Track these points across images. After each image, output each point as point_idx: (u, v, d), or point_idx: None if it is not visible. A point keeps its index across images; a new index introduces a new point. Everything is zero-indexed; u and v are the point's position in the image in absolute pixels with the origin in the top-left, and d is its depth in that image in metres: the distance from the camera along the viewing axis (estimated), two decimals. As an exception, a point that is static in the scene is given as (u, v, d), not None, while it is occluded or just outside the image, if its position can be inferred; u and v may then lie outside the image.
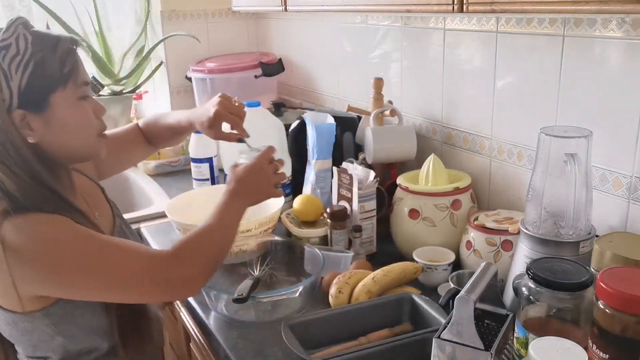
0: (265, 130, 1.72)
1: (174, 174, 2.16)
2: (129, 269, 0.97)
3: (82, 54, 1.09)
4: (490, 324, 0.85)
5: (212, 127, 1.27)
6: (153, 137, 1.41)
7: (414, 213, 1.35)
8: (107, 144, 1.11)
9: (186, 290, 1.04)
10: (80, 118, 1.00)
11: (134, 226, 1.62)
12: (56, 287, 0.95)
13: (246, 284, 1.15)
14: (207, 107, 1.28)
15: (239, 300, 1.11)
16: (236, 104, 1.29)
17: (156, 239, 1.60)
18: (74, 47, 0.99)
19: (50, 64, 0.94)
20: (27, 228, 0.92)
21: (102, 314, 1.03)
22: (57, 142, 0.99)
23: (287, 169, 1.71)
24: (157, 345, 1.21)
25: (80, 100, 0.99)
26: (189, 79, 2.32)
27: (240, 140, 1.29)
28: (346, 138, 1.68)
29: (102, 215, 1.17)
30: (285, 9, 1.63)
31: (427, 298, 1.12)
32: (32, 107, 0.94)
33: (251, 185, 1.13)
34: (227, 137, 1.31)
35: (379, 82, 1.63)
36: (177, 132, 1.39)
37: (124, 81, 2.39)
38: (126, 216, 1.45)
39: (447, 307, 1.08)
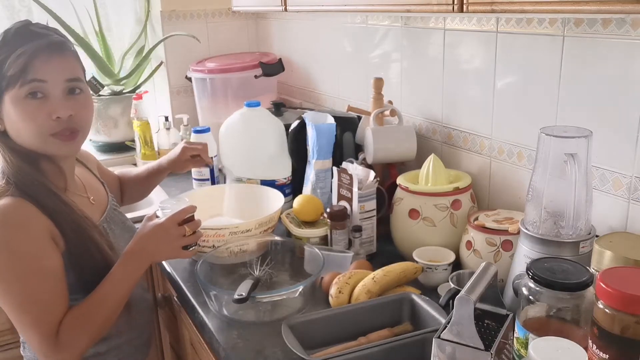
0: (265, 130, 1.72)
1: (174, 174, 2.14)
2: (24, 314, 1.07)
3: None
4: (490, 324, 0.85)
5: (180, 160, 1.52)
6: (126, 192, 1.57)
7: (414, 213, 1.35)
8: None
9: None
10: (26, 115, 1.09)
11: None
12: None
13: (246, 284, 1.15)
14: (174, 150, 1.54)
15: (239, 300, 1.11)
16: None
17: (156, 239, 1.59)
18: (40, 47, 1.08)
19: (5, 65, 1.07)
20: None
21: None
22: (16, 136, 1.12)
23: (287, 169, 1.71)
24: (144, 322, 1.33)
25: (28, 99, 1.08)
26: (189, 79, 2.32)
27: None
28: (346, 138, 1.68)
29: (98, 200, 1.30)
30: (285, 9, 1.63)
31: (427, 298, 1.12)
32: None
33: (151, 246, 1.16)
34: (194, 163, 1.55)
35: (379, 82, 1.63)
36: (147, 177, 1.56)
37: (124, 81, 2.39)
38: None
39: (447, 307, 1.08)
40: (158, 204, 1.25)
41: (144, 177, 1.56)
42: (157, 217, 1.20)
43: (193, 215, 1.21)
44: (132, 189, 1.57)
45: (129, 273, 1.14)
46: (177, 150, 1.53)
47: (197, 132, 1.86)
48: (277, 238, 1.40)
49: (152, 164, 1.57)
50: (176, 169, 1.55)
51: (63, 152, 1.15)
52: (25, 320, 1.06)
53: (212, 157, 1.64)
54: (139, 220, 1.71)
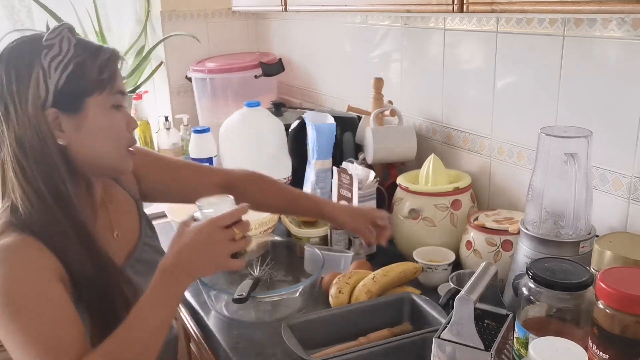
0: (265, 130, 1.72)
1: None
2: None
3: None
4: (490, 324, 0.85)
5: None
6: (249, 197, 1.17)
7: (414, 213, 1.35)
8: (172, 166, 1.10)
9: None
10: (111, 126, 0.97)
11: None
12: None
13: (246, 284, 1.15)
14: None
15: (239, 300, 1.11)
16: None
17: (156, 239, 1.59)
18: (114, 57, 0.98)
19: (90, 68, 0.94)
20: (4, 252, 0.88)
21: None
22: (85, 149, 0.95)
23: (287, 169, 1.71)
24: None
25: (113, 109, 0.97)
26: (189, 79, 2.32)
27: None
28: (346, 138, 1.68)
29: (124, 236, 1.08)
30: (285, 9, 1.63)
31: (427, 298, 1.12)
32: (66, 108, 0.93)
33: (193, 257, 0.92)
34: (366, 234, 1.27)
35: (379, 82, 1.63)
36: (292, 201, 1.33)
37: (124, 81, 2.38)
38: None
39: (447, 307, 1.08)
40: (196, 204, 1.00)
41: (290, 199, 1.32)
42: (195, 220, 0.97)
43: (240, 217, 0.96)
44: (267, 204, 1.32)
45: (165, 295, 0.91)
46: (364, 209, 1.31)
47: (197, 132, 1.86)
48: (277, 238, 1.40)
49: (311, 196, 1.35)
50: (338, 223, 1.30)
51: (130, 167, 1.03)
52: None
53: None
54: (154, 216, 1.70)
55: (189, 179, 1.26)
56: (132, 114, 2.24)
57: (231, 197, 1.00)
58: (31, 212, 0.90)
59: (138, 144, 1.05)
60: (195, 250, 0.92)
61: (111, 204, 1.08)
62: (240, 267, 0.98)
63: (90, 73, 0.93)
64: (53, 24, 0.96)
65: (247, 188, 1.28)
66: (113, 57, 0.98)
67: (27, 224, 0.89)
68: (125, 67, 2.39)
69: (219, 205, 0.97)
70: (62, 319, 0.86)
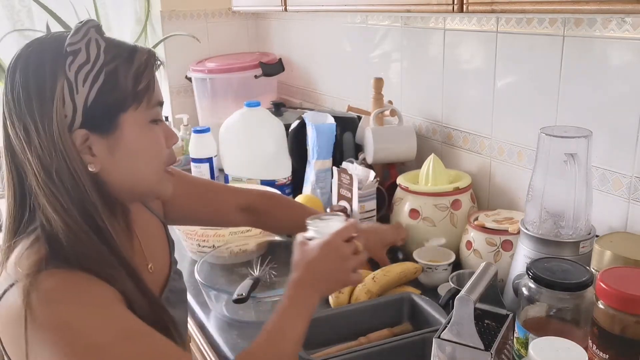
0: (265, 130, 1.72)
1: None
2: None
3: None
4: (490, 324, 0.85)
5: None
6: (271, 217, 1.22)
7: (414, 213, 1.35)
8: (200, 189, 0.97)
9: None
10: (151, 145, 0.83)
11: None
12: None
13: (246, 284, 1.15)
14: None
15: (239, 300, 1.11)
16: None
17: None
18: (152, 60, 0.83)
19: (124, 77, 0.78)
20: (63, 297, 0.72)
21: None
22: (120, 173, 0.81)
23: (287, 169, 1.71)
24: None
25: (152, 124, 0.83)
26: (189, 79, 2.32)
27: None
28: (346, 138, 1.68)
29: (157, 267, 0.98)
30: (285, 9, 1.63)
31: (427, 298, 1.12)
32: (98, 128, 0.78)
33: (322, 271, 0.90)
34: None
35: (379, 82, 1.63)
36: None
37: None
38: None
39: (447, 307, 1.08)
40: (307, 222, 0.99)
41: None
42: (309, 239, 0.94)
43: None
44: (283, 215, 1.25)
45: (304, 308, 0.87)
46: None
47: (197, 132, 1.86)
48: (277, 238, 1.40)
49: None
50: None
51: (169, 190, 0.89)
52: None
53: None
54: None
55: (214, 202, 1.18)
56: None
57: (340, 214, 1.00)
58: (75, 243, 0.75)
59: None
60: (324, 263, 0.90)
61: (140, 229, 0.95)
62: (358, 283, 0.98)
63: (124, 83, 0.78)
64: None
65: (270, 209, 1.24)
66: (150, 60, 0.82)
67: (73, 257, 0.75)
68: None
69: (329, 222, 0.97)
70: (162, 340, 0.77)
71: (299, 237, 0.95)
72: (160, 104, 0.85)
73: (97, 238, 0.77)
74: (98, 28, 0.78)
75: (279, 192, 1.40)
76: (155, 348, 0.76)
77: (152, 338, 0.76)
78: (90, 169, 0.78)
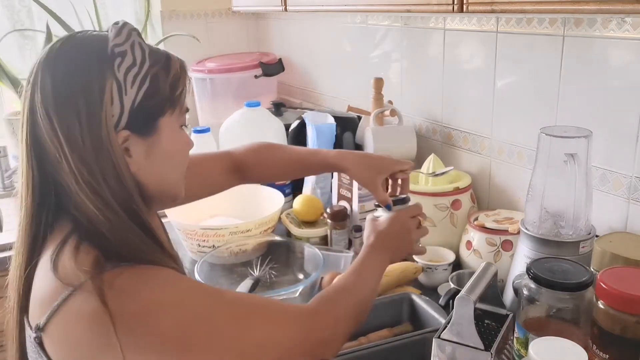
0: (265, 130, 1.72)
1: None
2: (270, 337, 0.78)
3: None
4: (490, 324, 0.85)
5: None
6: (256, 168, 1.20)
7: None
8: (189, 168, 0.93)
9: (325, 351, 0.85)
10: (183, 148, 0.87)
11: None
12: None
13: (246, 283, 1.15)
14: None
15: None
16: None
17: (156, 239, 1.59)
18: (184, 68, 0.85)
19: (163, 82, 0.80)
20: (139, 286, 0.72)
21: None
22: (151, 174, 0.82)
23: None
24: None
25: (182, 129, 0.86)
26: (189, 79, 2.32)
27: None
28: (346, 138, 1.68)
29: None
30: (285, 9, 1.63)
31: (427, 298, 1.12)
32: (139, 130, 0.79)
33: (392, 239, 1.01)
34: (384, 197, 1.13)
35: (379, 82, 1.63)
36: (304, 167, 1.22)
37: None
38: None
39: (447, 307, 1.08)
40: (374, 204, 1.12)
41: (299, 161, 1.20)
42: (378, 217, 1.06)
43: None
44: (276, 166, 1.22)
45: (379, 265, 0.97)
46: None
47: (197, 132, 1.86)
48: (277, 238, 1.40)
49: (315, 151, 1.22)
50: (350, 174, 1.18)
51: (183, 194, 0.91)
52: (277, 336, 0.79)
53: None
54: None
55: (197, 175, 1.13)
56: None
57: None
58: (123, 239, 0.75)
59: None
60: (393, 235, 1.01)
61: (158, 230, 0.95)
62: (422, 253, 1.09)
63: (164, 88, 0.80)
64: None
65: (259, 163, 1.21)
66: (183, 69, 0.84)
67: (126, 253, 0.75)
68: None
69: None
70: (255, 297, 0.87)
71: (369, 217, 1.06)
72: (187, 110, 0.87)
73: (142, 232, 0.77)
74: (138, 32, 0.80)
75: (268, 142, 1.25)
76: (242, 297, 0.83)
77: (233, 292, 0.83)
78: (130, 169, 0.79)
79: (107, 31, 0.79)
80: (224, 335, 0.74)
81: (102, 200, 0.74)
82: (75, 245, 0.75)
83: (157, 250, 0.78)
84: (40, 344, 0.74)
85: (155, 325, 0.71)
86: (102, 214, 0.74)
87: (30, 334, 0.77)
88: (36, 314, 0.75)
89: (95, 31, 0.81)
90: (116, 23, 0.79)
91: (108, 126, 0.75)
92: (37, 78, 0.76)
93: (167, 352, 0.71)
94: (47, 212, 0.79)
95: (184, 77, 0.84)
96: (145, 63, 0.78)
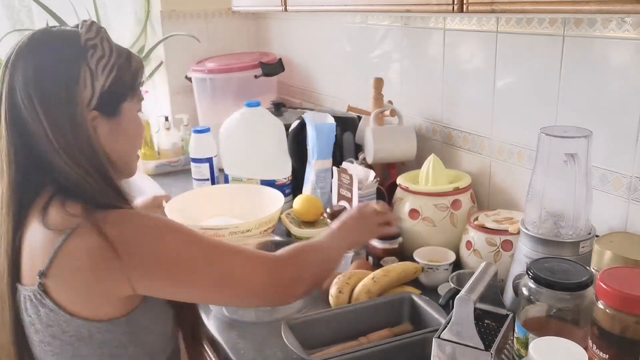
0: (265, 130, 1.72)
1: (174, 174, 2.16)
2: (243, 271, 0.93)
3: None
4: (490, 324, 0.85)
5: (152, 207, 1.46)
6: None
7: (414, 213, 1.35)
8: None
9: (290, 292, 0.99)
10: (138, 130, 1.03)
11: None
12: (168, 280, 0.89)
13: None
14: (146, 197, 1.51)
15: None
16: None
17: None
18: (142, 63, 1.03)
19: (127, 72, 0.96)
20: (127, 219, 0.89)
21: (171, 318, 1.00)
22: (113, 151, 0.97)
23: (287, 169, 1.71)
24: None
25: (139, 114, 1.02)
26: (189, 79, 2.32)
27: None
28: (346, 138, 1.68)
29: None
30: (285, 9, 1.63)
31: (427, 298, 1.12)
32: (105, 111, 0.94)
33: (352, 228, 1.14)
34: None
35: (379, 82, 1.63)
36: None
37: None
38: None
39: (447, 307, 1.08)
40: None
41: None
42: None
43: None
44: None
45: (341, 240, 1.10)
46: (148, 198, 1.51)
47: (197, 132, 1.86)
48: (277, 238, 1.40)
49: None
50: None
51: (136, 170, 1.07)
52: (248, 267, 0.94)
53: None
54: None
55: None
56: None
57: None
58: (96, 190, 0.90)
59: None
60: (351, 222, 1.14)
61: None
62: (391, 231, 1.23)
63: (127, 78, 0.97)
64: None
65: None
66: (141, 64, 1.02)
67: (102, 201, 0.90)
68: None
69: None
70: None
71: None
72: (142, 99, 1.03)
73: (115, 191, 0.93)
74: (104, 29, 0.96)
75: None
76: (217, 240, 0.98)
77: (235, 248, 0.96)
78: None
79: (77, 27, 0.94)
80: (210, 262, 0.91)
81: (81, 166, 0.89)
82: (60, 203, 0.89)
83: (126, 200, 0.94)
84: (44, 291, 0.87)
85: (153, 244, 0.88)
86: (82, 177, 0.89)
87: (26, 293, 0.89)
88: (36, 266, 0.87)
89: (67, 27, 0.96)
90: (85, 20, 0.94)
91: (82, 106, 0.90)
92: (17, 63, 0.89)
93: (163, 268, 0.88)
94: (30, 183, 0.92)
95: (142, 70, 1.01)
96: (113, 55, 0.94)
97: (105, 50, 0.93)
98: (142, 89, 1.03)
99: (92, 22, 0.94)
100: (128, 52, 0.99)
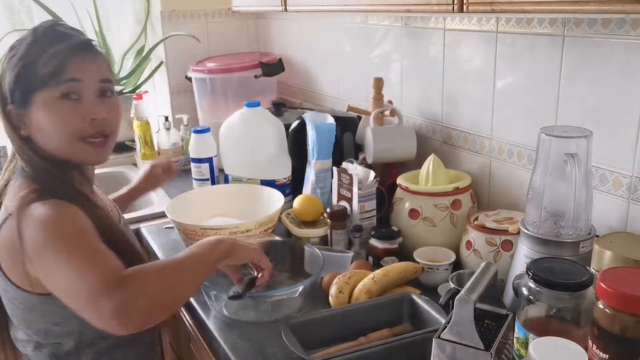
0: (265, 130, 1.72)
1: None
2: (81, 277, 0.92)
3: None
4: (490, 324, 0.85)
5: (153, 175, 1.57)
6: None
7: (414, 213, 1.35)
8: None
9: (123, 319, 0.90)
10: (56, 119, 1.05)
11: (134, 226, 1.63)
12: (37, 266, 0.98)
13: (243, 281, 1.16)
14: (143, 169, 1.60)
15: (234, 297, 1.11)
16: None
17: (156, 239, 1.60)
18: (70, 48, 1.04)
19: (38, 64, 1.02)
20: (42, 213, 0.98)
21: None
22: (42, 140, 1.07)
23: (287, 169, 1.71)
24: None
25: (62, 100, 1.04)
26: (189, 79, 2.32)
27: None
28: (346, 138, 1.68)
29: (114, 212, 1.27)
30: (285, 9, 1.63)
31: (427, 298, 1.12)
32: (18, 104, 1.05)
33: (227, 239, 1.11)
34: (165, 177, 1.61)
35: (379, 82, 1.63)
36: (127, 195, 1.53)
37: (123, 81, 2.39)
38: (126, 216, 1.47)
39: (447, 307, 1.08)
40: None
41: (125, 195, 1.52)
42: None
43: None
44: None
45: (199, 255, 1.04)
46: (147, 168, 1.58)
47: (197, 132, 1.86)
48: (277, 238, 1.40)
49: (129, 186, 1.55)
50: (149, 187, 1.58)
51: (93, 158, 1.11)
52: (91, 278, 0.92)
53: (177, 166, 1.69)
54: (139, 220, 1.72)
55: None
56: (132, 114, 2.23)
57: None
58: (46, 182, 1.04)
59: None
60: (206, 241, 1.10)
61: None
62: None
63: (37, 69, 1.02)
64: None
65: None
66: (66, 48, 1.04)
67: (48, 192, 1.02)
68: (124, 66, 2.39)
69: None
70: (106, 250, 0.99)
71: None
72: (74, 79, 1.04)
73: (64, 177, 1.07)
74: (43, 28, 1.06)
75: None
76: (99, 248, 0.98)
77: (99, 245, 0.98)
78: (21, 133, 1.07)
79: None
80: (68, 260, 0.95)
81: (27, 155, 1.06)
82: (20, 182, 1.05)
83: (70, 191, 1.05)
84: None
85: (40, 240, 0.96)
86: (28, 165, 1.05)
87: None
88: None
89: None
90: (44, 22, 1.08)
91: (3, 102, 1.06)
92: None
93: (41, 263, 0.97)
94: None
95: (61, 56, 1.03)
96: (21, 52, 1.03)
97: (20, 49, 1.04)
98: (64, 73, 1.03)
99: (40, 25, 1.07)
100: (52, 42, 1.04)
